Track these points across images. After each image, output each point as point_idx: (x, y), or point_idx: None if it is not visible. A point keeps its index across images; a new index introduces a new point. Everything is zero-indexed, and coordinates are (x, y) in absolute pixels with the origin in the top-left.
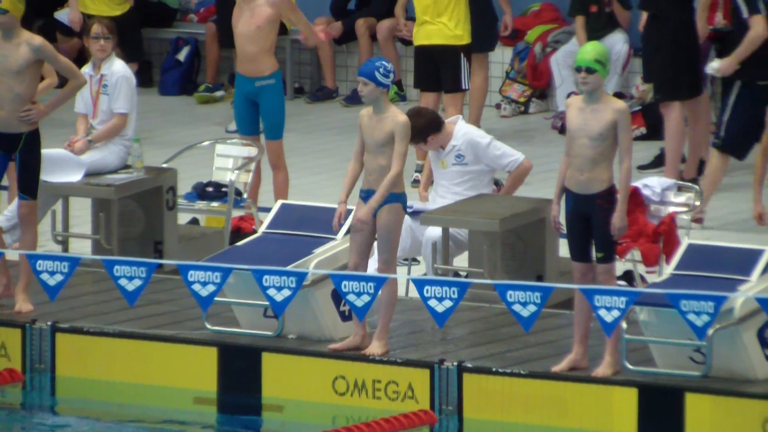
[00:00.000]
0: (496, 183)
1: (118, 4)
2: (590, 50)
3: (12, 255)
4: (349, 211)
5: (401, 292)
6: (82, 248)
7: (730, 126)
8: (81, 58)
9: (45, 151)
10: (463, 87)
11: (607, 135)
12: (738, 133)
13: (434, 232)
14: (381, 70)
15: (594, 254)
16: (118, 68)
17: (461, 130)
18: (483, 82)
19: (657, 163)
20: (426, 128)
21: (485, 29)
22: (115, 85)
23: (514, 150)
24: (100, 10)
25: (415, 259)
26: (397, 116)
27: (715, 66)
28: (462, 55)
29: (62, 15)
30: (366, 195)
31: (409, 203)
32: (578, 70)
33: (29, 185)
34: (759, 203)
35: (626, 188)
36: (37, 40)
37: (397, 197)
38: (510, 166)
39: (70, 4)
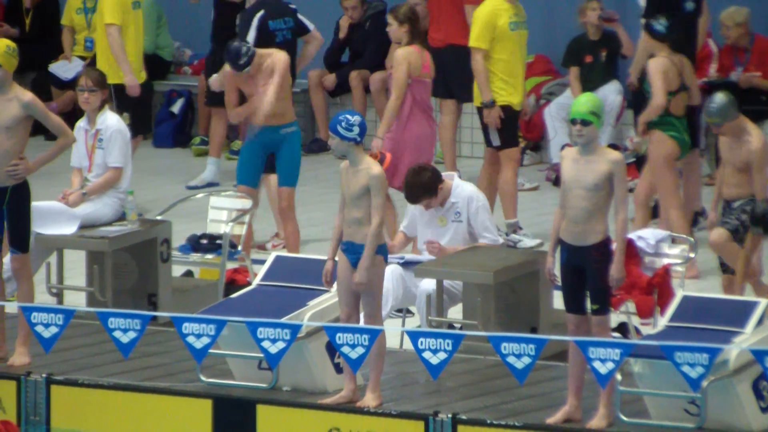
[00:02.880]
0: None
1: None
2: (585, 102)
3: (10, 307)
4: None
5: (396, 343)
6: (76, 300)
7: None
8: (75, 111)
9: (38, 204)
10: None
11: (602, 186)
12: None
13: (429, 284)
14: (343, 124)
15: (588, 306)
16: (113, 122)
17: (459, 186)
18: (446, 127)
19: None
20: (432, 181)
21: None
22: (109, 138)
23: (496, 230)
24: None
25: (409, 311)
26: (371, 168)
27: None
28: None
29: (56, 67)
30: (345, 247)
31: (399, 255)
32: (573, 122)
33: (19, 239)
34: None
35: (623, 239)
36: (28, 96)
37: (377, 249)
38: (486, 241)
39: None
